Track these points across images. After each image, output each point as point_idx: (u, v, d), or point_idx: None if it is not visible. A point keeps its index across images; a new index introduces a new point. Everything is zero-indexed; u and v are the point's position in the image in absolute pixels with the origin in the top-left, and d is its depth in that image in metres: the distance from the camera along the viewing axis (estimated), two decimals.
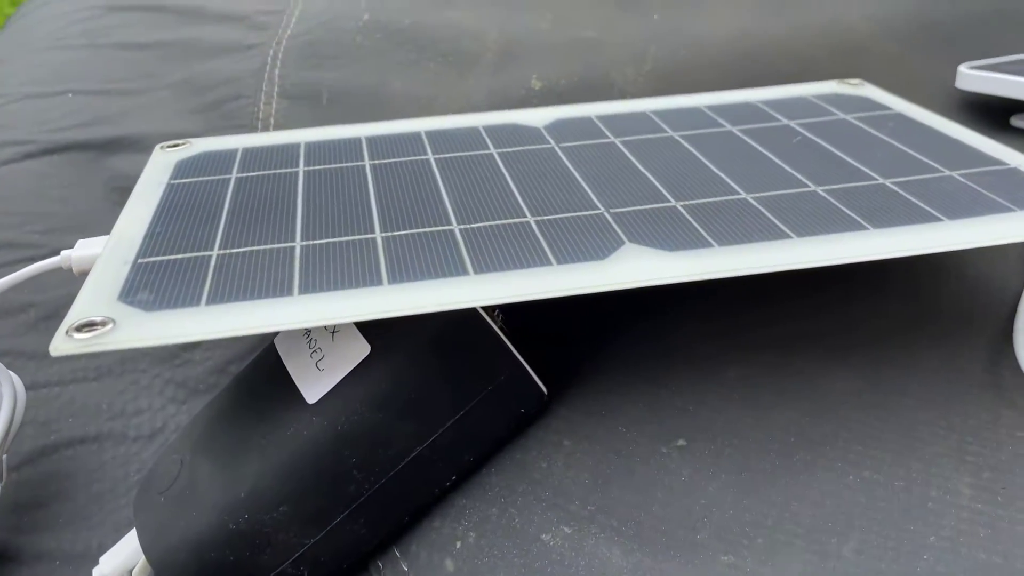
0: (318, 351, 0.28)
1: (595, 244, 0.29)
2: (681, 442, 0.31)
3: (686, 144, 0.37)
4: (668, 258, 0.28)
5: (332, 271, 0.28)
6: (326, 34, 0.53)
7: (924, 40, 0.51)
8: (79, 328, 0.25)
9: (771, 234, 0.29)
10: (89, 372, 0.39)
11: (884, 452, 0.30)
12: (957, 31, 0.51)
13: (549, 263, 0.28)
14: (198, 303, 0.26)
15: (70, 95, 0.53)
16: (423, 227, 0.30)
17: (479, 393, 0.29)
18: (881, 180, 0.33)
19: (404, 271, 0.27)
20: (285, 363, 0.29)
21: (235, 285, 0.27)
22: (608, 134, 0.39)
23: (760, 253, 0.28)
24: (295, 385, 0.28)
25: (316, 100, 0.48)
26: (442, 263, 0.28)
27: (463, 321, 0.28)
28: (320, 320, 0.25)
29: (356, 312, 0.25)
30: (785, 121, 0.40)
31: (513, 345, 0.29)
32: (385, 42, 0.51)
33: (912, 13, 0.53)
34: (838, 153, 0.36)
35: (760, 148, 0.36)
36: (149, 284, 0.27)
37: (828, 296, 0.36)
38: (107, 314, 0.26)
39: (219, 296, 0.26)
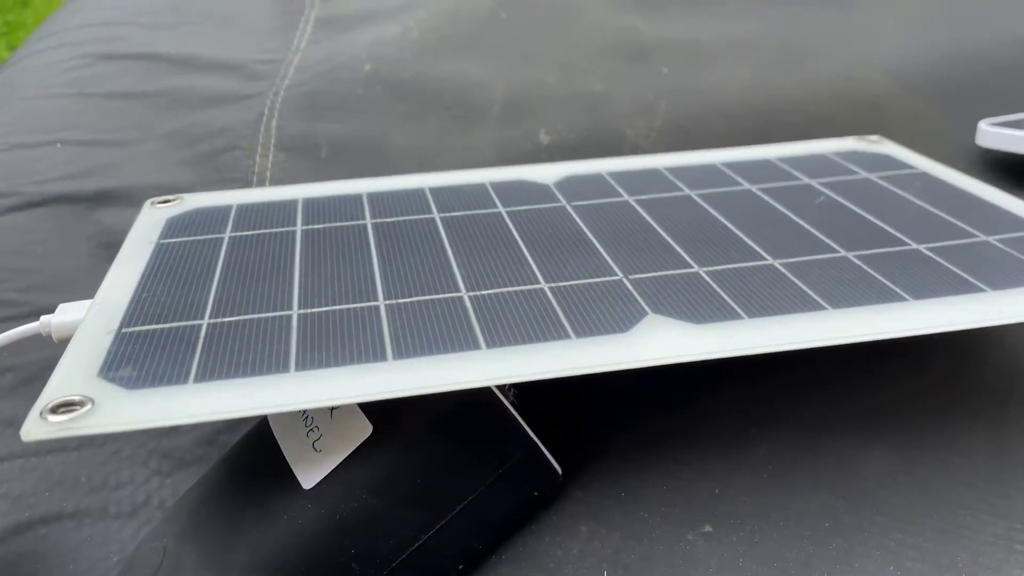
0: (315, 430, 0.26)
1: (616, 314, 0.27)
2: (708, 528, 0.28)
3: (704, 204, 0.35)
4: (696, 332, 0.26)
5: (332, 345, 0.25)
6: (326, 85, 0.51)
7: (942, 96, 0.50)
8: (55, 409, 0.23)
9: (804, 305, 0.27)
10: (69, 442, 0.36)
11: (925, 540, 0.28)
12: (976, 86, 0.50)
13: (567, 336, 0.26)
14: (185, 380, 0.24)
15: (58, 145, 0.51)
16: (430, 294, 0.28)
17: (490, 476, 0.26)
18: (915, 245, 0.31)
19: (410, 345, 0.25)
20: (279, 443, 0.27)
21: (226, 360, 0.25)
22: (621, 192, 0.37)
23: (795, 326, 0.26)
24: (290, 468, 0.26)
25: (315, 153, 0.47)
26: (451, 336, 0.26)
27: (473, 398, 0.26)
28: (319, 402, 0.23)
29: (358, 393, 0.23)
30: (806, 180, 0.38)
31: (525, 421, 0.27)
32: (387, 94, 0.49)
33: (929, 68, 0.52)
34: (865, 215, 0.34)
35: (782, 208, 0.35)
36: (133, 358, 0.25)
37: (859, 364, 0.34)
38: (85, 393, 0.23)
39: (209, 373, 0.24)
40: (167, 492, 0.34)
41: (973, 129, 0.47)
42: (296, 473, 0.25)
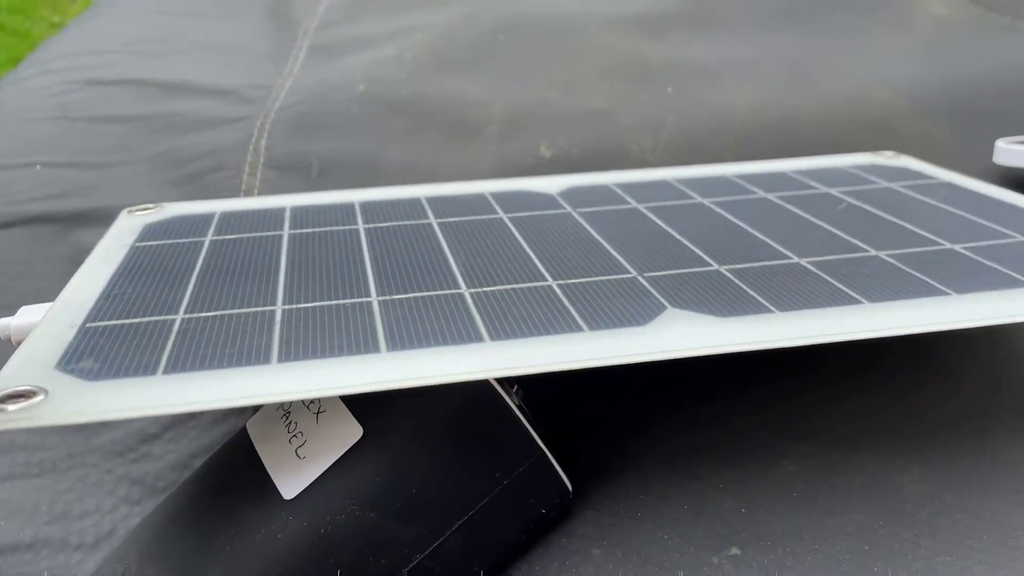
0: (299, 435, 0.23)
1: (631, 309, 0.24)
2: (735, 551, 0.25)
3: (719, 210, 0.33)
4: (723, 324, 0.23)
5: (319, 337, 0.23)
6: (319, 105, 0.49)
7: (956, 116, 0.48)
8: (4, 399, 0.20)
9: (838, 299, 0.25)
10: (30, 467, 0.33)
11: (977, 563, 0.25)
12: (989, 108, 0.49)
13: (580, 329, 0.23)
14: (154, 372, 0.21)
15: (38, 167, 0.49)
16: (427, 291, 0.26)
17: (492, 489, 0.24)
18: (949, 245, 0.29)
19: (406, 337, 0.23)
20: (258, 450, 0.24)
21: (200, 352, 0.22)
22: (630, 200, 0.35)
23: (831, 320, 0.24)
24: (268, 476, 0.23)
25: (305, 171, 0.45)
26: (451, 328, 0.23)
27: (475, 399, 0.23)
28: (303, 392, 0.20)
29: (347, 383, 0.21)
30: (824, 189, 0.36)
31: (534, 429, 0.24)
32: (382, 112, 0.47)
33: (944, 86, 0.50)
34: (892, 219, 0.32)
35: (803, 214, 0.33)
36: (95, 351, 0.22)
37: (889, 375, 0.31)
38: (39, 383, 0.21)
39: (181, 364, 0.22)
40: (136, 522, 0.31)
41: (988, 149, 0.46)
42: (276, 482, 0.23)
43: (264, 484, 0.23)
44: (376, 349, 0.22)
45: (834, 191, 0.35)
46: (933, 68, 0.54)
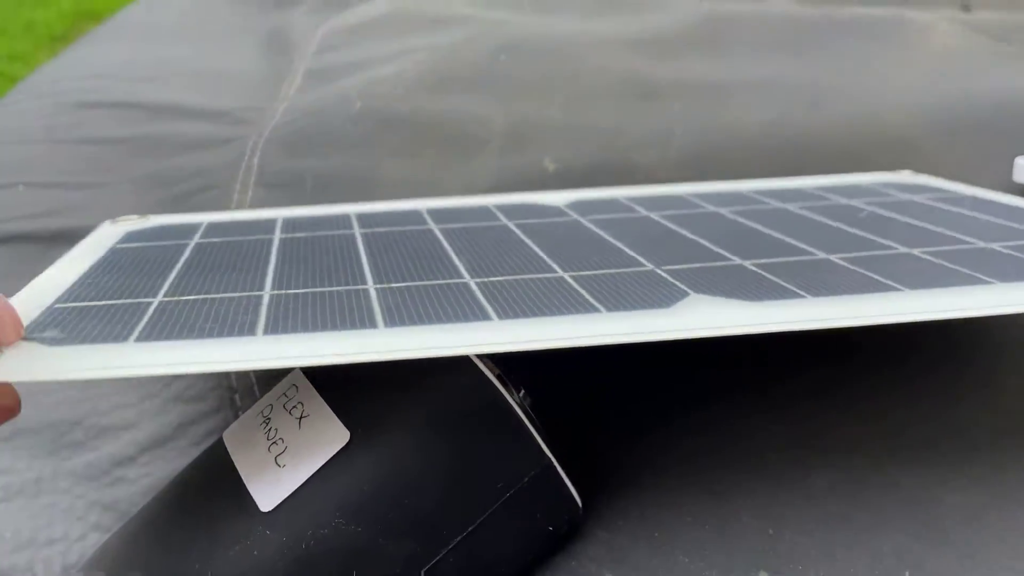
0: (279, 442, 0.21)
1: (651, 295, 0.22)
2: (763, 574, 0.23)
3: (736, 217, 0.31)
4: (752, 308, 0.21)
5: (311, 314, 0.21)
6: (313, 123, 0.48)
7: (972, 136, 0.46)
8: None
9: (873, 287, 0.23)
10: None
11: None
12: (1006, 124, 0.47)
13: (596, 310, 0.21)
14: (124, 340, 0.19)
15: (21, 187, 0.47)
16: (429, 279, 0.24)
17: (494, 501, 0.21)
18: (984, 244, 0.27)
19: (406, 317, 0.21)
20: (233, 458, 0.22)
21: (178, 325, 0.20)
22: (640, 209, 0.33)
23: (868, 304, 0.22)
24: (245, 487, 0.21)
25: (299, 187, 0.43)
26: (455, 310, 0.21)
27: (476, 400, 0.21)
28: (289, 359, 0.18)
29: (340, 350, 0.19)
30: (844, 200, 0.34)
31: (541, 436, 0.22)
32: (379, 129, 0.46)
33: (957, 108, 0.49)
34: (919, 223, 0.30)
35: (825, 220, 0.31)
36: (62, 323, 0.20)
37: (926, 386, 0.29)
38: None
39: (155, 334, 0.20)
40: None
41: (1005, 168, 0.44)
42: (252, 492, 0.20)
43: (240, 495, 0.21)
44: (373, 325, 0.20)
45: (855, 202, 0.33)
46: (945, 91, 0.52)
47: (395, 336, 0.20)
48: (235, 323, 0.20)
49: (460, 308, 0.22)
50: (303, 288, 0.23)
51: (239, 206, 0.42)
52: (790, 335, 0.21)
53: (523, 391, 0.23)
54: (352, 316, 0.21)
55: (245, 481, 0.21)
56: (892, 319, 0.21)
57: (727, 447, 0.27)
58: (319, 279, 0.24)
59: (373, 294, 0.22)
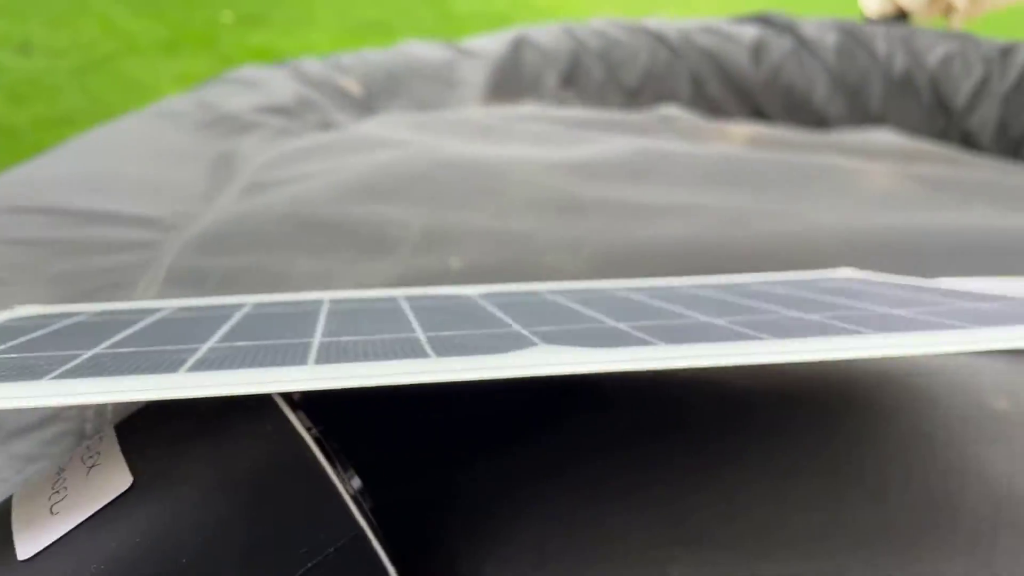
0: (62, 491, 0.19)
1: (498, 345, 0.21)
2: None
3: (643, 297, 0.30)
4: (595, 351, 0.20)
5: (125, 365, 0.20)
6: (235, 227, 0.47)
7: (897, 254, 0.46)
8: None
9: (737, 337, 0.22)
10: None
11: None
12: (932, 248, 0.47)
13: (426, 356, 0.20)
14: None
15: None
16: (275, 340, 0.23)
17: (292, 570, 0.19)
18: (872, 308, 0.26)
19: (224, 365, 0.20)
20: (12, 509, 0.20)
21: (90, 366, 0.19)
22: (548, 295, 0.32)
23: (723, 347, 0.20)
24: (12, 536, 0.19)
25: (203, 285, 0.42)
26: (281, 358, 0.20)
27: (276, 450, 0.20)
28: (77, 396, 0.17)
29: (142, 386, 0.17)
30: (767, 288, 0.33)
31: (355, 498, 0.20)
32: (299, 230, 0.46)
33: (885, 231, 0.49)
34: (837, 300, 0.29)
35: (737, 299, 0.30)
36: None
37: (805, 477, 0.27)
38: None
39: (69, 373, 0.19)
40: None
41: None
42: (15, 541, 0.18)
43: (5, 544, 0.19)
44: (178, 371, 0.19)
45: (777, 289, 0.33)
46: (873, 220, 0.53)
47: (196, 376, 0.19)
48: (47, 369, 0.19)
49: (285, 358, 0.20)
50: (133, 348, 0.22)
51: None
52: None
53: (343, 454, 0.21)
54: (162, 361, 0.20)
55: (13, 530, 0.19)
56: (741, 360, 0.19)
57: (580, 536, 0.25)
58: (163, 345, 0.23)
59: (203, 349, 0.21)
